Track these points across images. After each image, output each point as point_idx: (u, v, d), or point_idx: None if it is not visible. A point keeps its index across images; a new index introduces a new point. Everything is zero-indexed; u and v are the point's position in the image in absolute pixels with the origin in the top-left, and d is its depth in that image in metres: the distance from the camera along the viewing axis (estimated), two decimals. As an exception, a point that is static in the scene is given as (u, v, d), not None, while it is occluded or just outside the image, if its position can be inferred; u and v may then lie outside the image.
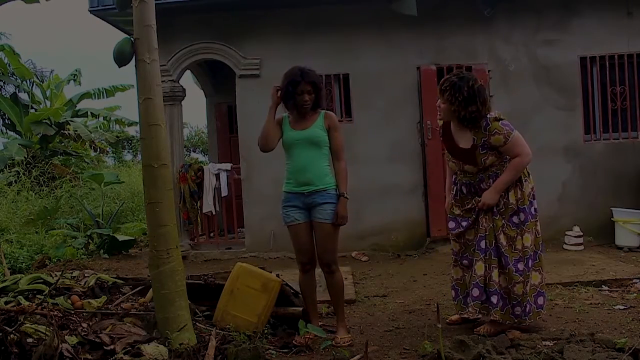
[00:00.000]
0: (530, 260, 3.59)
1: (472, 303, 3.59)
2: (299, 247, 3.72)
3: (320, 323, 3.91)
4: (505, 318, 3.60)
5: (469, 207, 3.66)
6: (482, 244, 3.58)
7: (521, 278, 3.54)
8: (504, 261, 3.55)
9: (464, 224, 3.68)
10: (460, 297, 3.80)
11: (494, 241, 3.57)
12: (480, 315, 3.70)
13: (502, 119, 3.52)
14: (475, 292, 3.58)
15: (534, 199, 3.66)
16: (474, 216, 3.64)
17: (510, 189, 3.57)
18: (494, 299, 3.55)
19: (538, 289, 3.65)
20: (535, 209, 3.66)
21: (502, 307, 3.59)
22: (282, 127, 3.74)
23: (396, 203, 6.99)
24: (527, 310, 3.58)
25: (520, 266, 3.55)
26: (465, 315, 3.75)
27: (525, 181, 3.61)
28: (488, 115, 3.49)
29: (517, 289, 3.54)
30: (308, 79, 3.59)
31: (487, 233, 3.58)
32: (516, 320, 3.62)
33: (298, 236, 3.70)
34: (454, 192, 3.80)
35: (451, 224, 3.77)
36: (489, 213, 3.59)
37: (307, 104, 3.63)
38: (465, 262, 3.73)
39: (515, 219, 3.58)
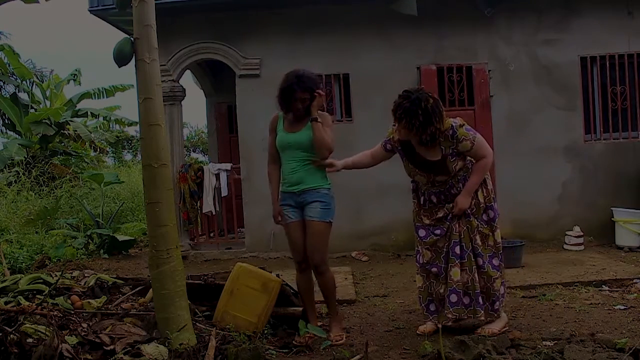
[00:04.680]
0: (501, 255, 3.70)
1: (451, 309, 3.62)
2: (293, 245, 3.77)
3: (319, 323, 3.91)
4: (487, 316, 3.67)
5: (440, 215, 3.67)
6: (457, 249, 3.62)
7: (499, 273, 3.66)
8: (481, 261, 3.62)
9: (438, 231, 3.68)
10: (423, 305, 3.82)
11: (470, 243, 3.62)
12: (461, 319, 3.71)
13: (464, 124, 3.56)
14: (454, 297, 3.62)
15: (494, 194, 3.77)
16: (447, 223, 3.65)
17: (478, 188, 3.64)
18: (481, 300, 3.62)
19: (502, 280, 3.76)
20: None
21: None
22: (277, 127, 3.78)
23: (396, 203, 6.97)
24: (501, 303, 3.71)
25: (496, 262, 3.66)
26: (436, 322, 3.75)
27: (487, 179, 3.70)
28: (453, 124, 3.51)
29: (497, 284, 3.64)
30: (303, 87, 3.60)
31: (462, 237, 3.62)
32: (495, 315, 3.68)
33: (292, 234, 3.75)
34: (422, 202, 3.78)
35: (421, 232, 3.76)
36: (462, 217, 3.63)
37: (299, 111, 3.67)
38: (434, 269, 3.72)
39: (485, 217, 3.67)
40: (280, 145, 3.73)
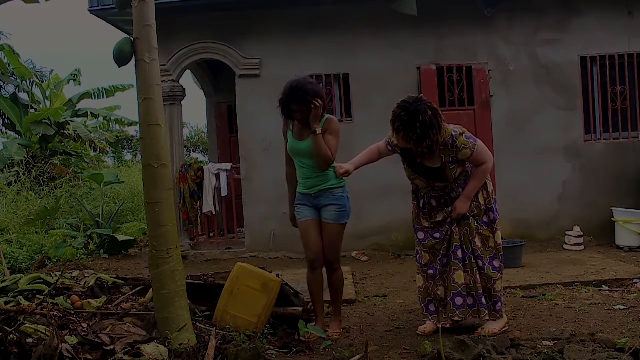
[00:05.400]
0: (502, 256, 3.71)
1: (457, 312, 3.66)
2: (307, 243, 3.81)
3: (322, 323, 3.92)
4: (490, 316, 3.69)
5: (440, 219, 3.68)
6: (459, 253, 3.64)
7: (499, 275, 3.68)
8: (481, 263, 3.64)
9: (437, 235, 3.70)
10: (422, 305, 3.84)
11: (470, 245, 3.64)
12: (465, 320, 3.74)
13: (463, 132, 3.55)
14: (459, 300, 3.65)
15: (495, 196, 3.77)
16: (447, 227, 3.66)
17: (478, 191, 3.65)
18: (484, 300, 3.65)
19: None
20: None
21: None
22: (288, 131, 3.85)
23: (396, 203, 6.97)
24: (502, 303, 3.74)
25: (496, 263, 3.68)
26: (436, 322, 3.77)
27: (487, 181, 3.70)
28: (453, 133, 3.49)
29: (498, 286, 3.67)
30: (297, 101, 3.60)
31: (463, 239, 3.64)
32: (498, 316, 3.70)
33: (306, 232, 3.79)
34: (421, 206, 3.79)
35: (420, 235, 3.77)
36: (461, 220, 3.64)
37: (300, 121, 3.71)
38: (430, 272, 3.75)
39: (485, 219, 3.68)
40: (290, 152, 3.83)
